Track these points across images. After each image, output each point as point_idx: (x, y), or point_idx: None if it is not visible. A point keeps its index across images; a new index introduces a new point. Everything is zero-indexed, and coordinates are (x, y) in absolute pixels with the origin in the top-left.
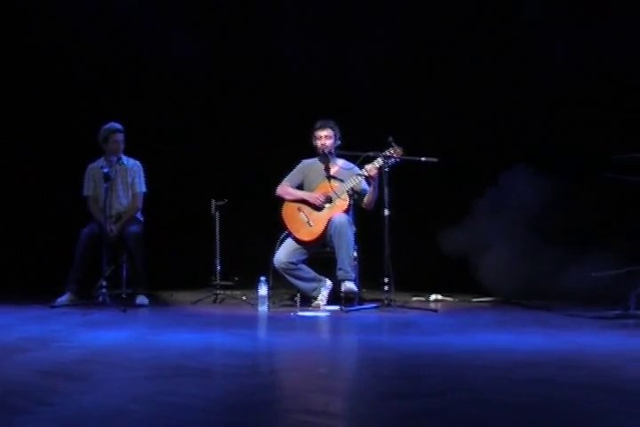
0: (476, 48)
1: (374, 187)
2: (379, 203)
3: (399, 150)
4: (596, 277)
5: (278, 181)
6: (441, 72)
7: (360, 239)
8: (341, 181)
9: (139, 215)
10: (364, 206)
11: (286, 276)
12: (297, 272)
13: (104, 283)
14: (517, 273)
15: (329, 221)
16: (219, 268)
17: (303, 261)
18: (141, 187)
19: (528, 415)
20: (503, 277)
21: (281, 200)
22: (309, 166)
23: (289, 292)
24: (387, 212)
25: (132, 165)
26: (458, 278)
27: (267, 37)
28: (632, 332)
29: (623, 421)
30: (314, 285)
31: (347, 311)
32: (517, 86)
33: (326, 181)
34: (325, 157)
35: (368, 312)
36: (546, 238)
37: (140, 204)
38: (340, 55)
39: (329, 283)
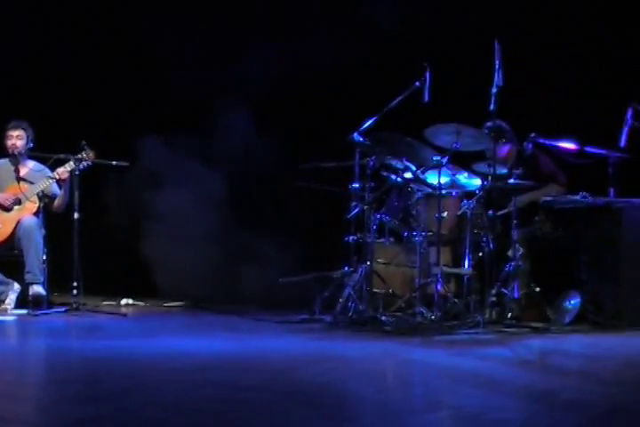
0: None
1: (65, 190)
2: (69, 206)
3: (91, 154)
4: (284, 282)
5: None
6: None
7: (50, 242)
8: (31, 183)
9: None
10: (54, 209)
11: None
12: None
13: None
14: (208, 278)
15: (17, 223)
16: None
17: None
18: None
19: (202, 418)
20: (193, 282)
21: None
22: None
23: None
24: (77, 215)
25: None
26: (149, 283)
27: None
28: (314, 336)
29: (293, 421)
30: (1, 288)
31: (35, 315)
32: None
33: (16, 182)
34: (16, 158)
35: (57, 316)
36: (233, 246)
37: None
38: (36, 57)
39: (17, 286)
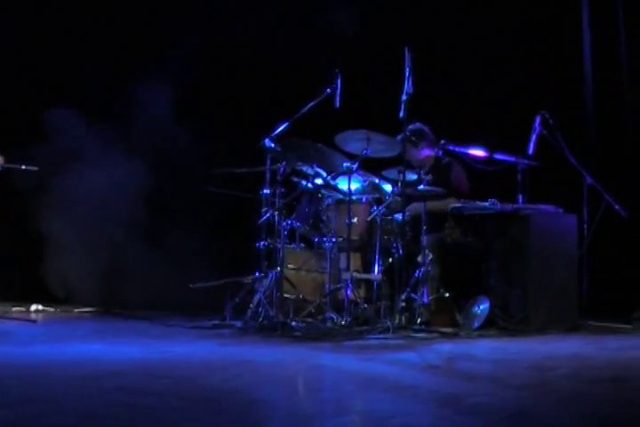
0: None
1: None
2: None
3: (0, 159)
4: (195, 288)
5: None
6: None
7: None
8: None
9: None
10: None
11: None
12: None
13: None
14: (117, 282)
15: None
16: None
17: None
18: None
19: (108, 424)
20: (101, 285)
21: None
22: None
23: None
24: None
25: None
26: (58, 285)
27: None
28: (224, 341)
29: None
30: None
31: None
32: None
33: None
34: None
35: None
36: (149, 251)
37: None
38: None
39: None
